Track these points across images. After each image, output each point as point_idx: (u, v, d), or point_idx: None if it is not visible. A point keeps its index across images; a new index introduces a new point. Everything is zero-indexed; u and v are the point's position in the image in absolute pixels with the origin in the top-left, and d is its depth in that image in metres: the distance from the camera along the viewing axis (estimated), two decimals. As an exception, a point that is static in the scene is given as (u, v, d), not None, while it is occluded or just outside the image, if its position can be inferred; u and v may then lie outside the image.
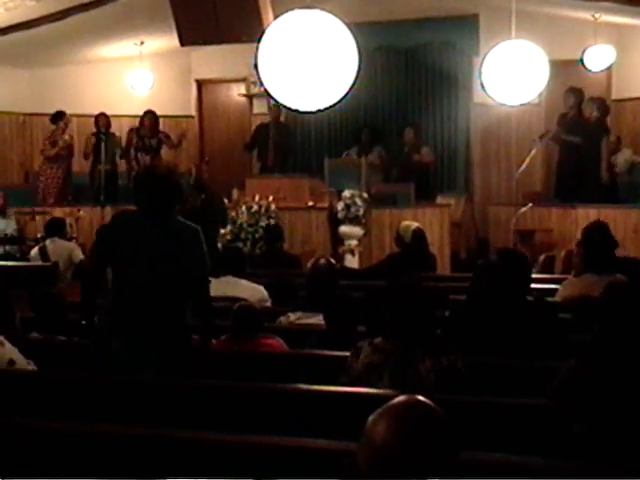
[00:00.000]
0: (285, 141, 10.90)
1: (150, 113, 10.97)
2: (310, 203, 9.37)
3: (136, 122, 11.30)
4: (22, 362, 3.86)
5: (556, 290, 5.36)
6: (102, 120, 10.84)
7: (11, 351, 3.86)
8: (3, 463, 2.85)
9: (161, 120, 11.24)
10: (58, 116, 10.84)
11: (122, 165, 11.15)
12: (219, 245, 8.33)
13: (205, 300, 4.06)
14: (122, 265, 3.95)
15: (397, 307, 3.32)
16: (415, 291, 3.39)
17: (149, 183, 3.99)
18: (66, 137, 10.91)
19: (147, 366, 3.82)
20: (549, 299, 5.21)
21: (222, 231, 8.74)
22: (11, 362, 3.80)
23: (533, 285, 5.66)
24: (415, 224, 7.07)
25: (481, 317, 3.91)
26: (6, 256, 8.26)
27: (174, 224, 3.97)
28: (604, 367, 2.92)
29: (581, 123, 9.48)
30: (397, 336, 3.29)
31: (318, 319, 4.61)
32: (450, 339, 3.70)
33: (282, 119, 11.09)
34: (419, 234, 6.88)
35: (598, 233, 5.37)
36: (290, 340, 4.35)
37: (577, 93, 9.58)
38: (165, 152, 11.07)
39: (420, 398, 1.65)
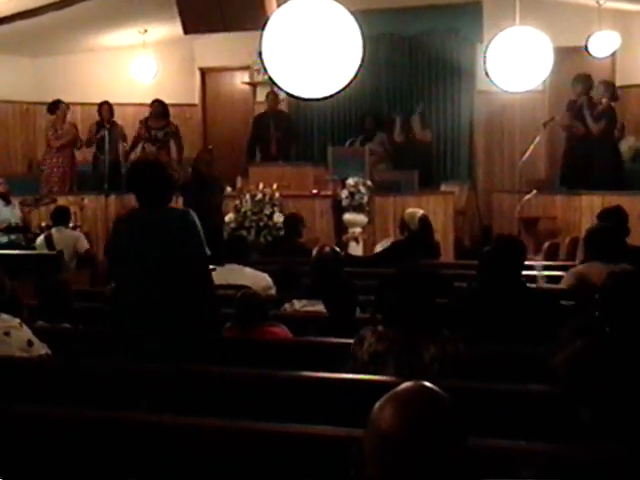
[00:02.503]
0: (285, 130, 10.85)
1: (156, 102, 10.95)
2: (314, 191, 9.36)
3: (140, 110, 11.29)
4: (38, 344, 3.97)
5: (561, 277, 5.37)
6: (105, 109, 10.82)
7: (28, 333, 3.97)
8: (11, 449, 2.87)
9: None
10: (54, 105, 10.81)
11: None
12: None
13: (207, 285, 4.01)
14: (123, 265, 3.94)
15: (402, 293, 3.32)
16: (419, 277, 3.39)
17: (139, 174, 3.99)
18: (66, 126, 10.90)
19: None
20: (553, 286, 5.24)
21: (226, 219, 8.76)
22: (30, 343, 3.93)
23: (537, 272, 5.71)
24: (420, 211, 7.06)
25: (483, 305, 3.93)
26: (11, 245, 8.27)
27: (166, 214, 3.95)
28: (607, 354, 2.92)
29: (591, 109, 9.46)
30: (401, 323, 3.29)
31: (323, 307, 4.63)
32: (453, 326, 3.72)
33: (282, 107, 11.05)
34: (425, 221, 6.88)
35: (612, 218, 5.39)
36: (294, 328, 4.37)
37: (586, 80, 9.55)
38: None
39: (426, 384, 1.66)
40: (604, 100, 9.38)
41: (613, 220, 5.52)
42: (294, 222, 7.61)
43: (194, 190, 8.24)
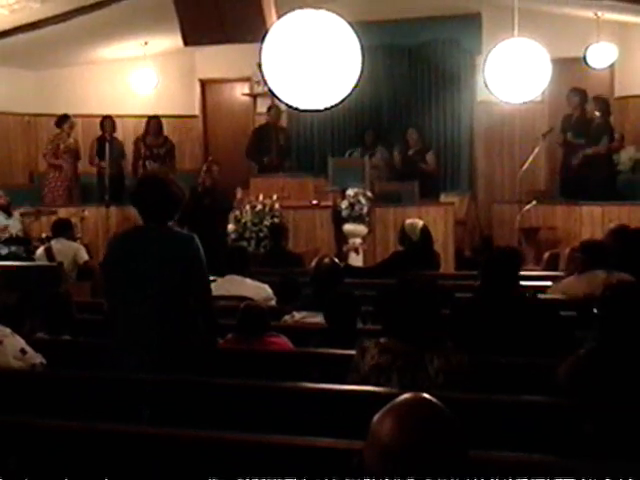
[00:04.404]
0: (286, 144, 10.95)
1: (154, 118, 11.00)
2: (314, 202, 9.37)
3: (140, 122, 11.32)
4: (32, 353, 3.98)
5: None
6: (108, 123, 10.86)
7: (21, 341, 3.99)
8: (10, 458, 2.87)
9: (165, 120, 11.29)
10: (63, 120, 10.85)
11: (127, 167, 11.18)
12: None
13: (208, 309, 3.95)
14: (117, 284, 3.88)
15: (406, 305, 3.30)
16: (423, 288, 3.37)
17: (143, 191, 3.93)
18: (70, 140, 10.92)
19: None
20: (554, 297, 5.23)
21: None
22: (23, 351, 3.95)
23: (537, 283, 5.72)
24: (421, 222, 7.07)
25: (481, 315, 3.94)
26: (12, 256, 8.28)
27: (169, 235, 3.88)
28: (607, 364, 2.93)
29: (585, 123, 9.52)
30: (406, 335, 3.27)
31: (323, 318, 4.62)
32: (454, 337, 3.71)
33: (281, 122, 11.14)
34: (426, 232, 6.90)
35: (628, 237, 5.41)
36: (295, 339, 4.37)
37: (581, 93, 9.61)
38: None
39: (425, 396, 1.66)
40: (595, 113, 9.43)
41: (628, 240, 5.53)
42: (277, 229, 8.13)
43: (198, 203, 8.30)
